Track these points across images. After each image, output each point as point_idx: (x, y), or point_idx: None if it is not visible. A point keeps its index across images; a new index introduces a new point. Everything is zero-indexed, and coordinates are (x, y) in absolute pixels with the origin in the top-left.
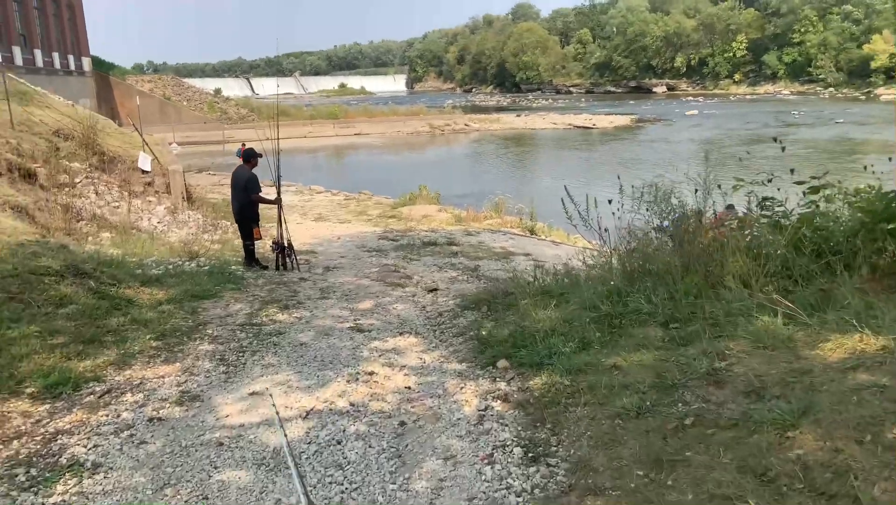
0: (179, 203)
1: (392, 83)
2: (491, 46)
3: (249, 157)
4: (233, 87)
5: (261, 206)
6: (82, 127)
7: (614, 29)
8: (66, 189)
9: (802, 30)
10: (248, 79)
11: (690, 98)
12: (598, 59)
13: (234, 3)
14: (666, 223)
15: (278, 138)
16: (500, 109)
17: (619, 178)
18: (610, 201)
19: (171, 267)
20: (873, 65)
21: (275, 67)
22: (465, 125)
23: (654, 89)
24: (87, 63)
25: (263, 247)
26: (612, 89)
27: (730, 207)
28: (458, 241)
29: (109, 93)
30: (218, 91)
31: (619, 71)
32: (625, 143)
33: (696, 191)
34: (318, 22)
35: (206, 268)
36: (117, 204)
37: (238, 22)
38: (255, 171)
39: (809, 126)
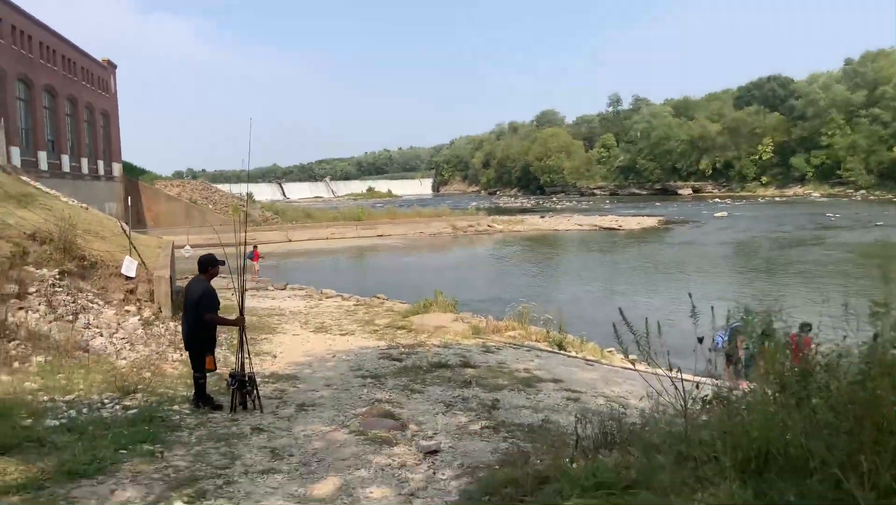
0: (159, 313)
1: (419, 187)
2: (516, 151)
3: (206, 265)
4: (265, 192)
5: (220, 327)
6: (58, 229)
7: (638, 133)
8: (11, 300)
9: (830, 133)
10: (279, 184)
11: (717, 200)
12: (622, 162)
13: (269, 114)
14: (718, 337)
15: (245, 243)
16: (524, 211)
17: (690, 295)
18: (700, 340)
19: (84, 411)
20: None
21: (307, 173)
22: (489, 226)
23: (680, 191)
24: (117, 169)
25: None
26: (637, 191)
27: (805, 328)
28: (473, 362)
29: (137, 197)
30: (250, 195)
31: (643, 173)
32: (653, 245)
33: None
34: (351, 129)
35: (133, 411)
36: (71, 318)
37: (273, 132)
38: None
39: (848, 229)
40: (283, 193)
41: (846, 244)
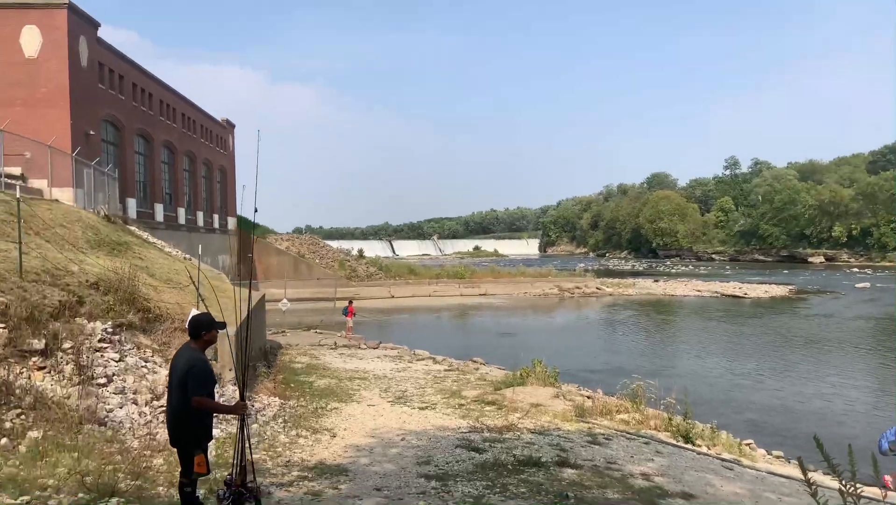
0: (220, 375)
1: (525, 247)
2: (625, 213)
3: (199, 329)
4: (375, 249)
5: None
6: (118, 277)
7: (759, 197)
8: (33, 358)
9: None
10: (390, 241)
11: (856, 269)
12: (742, 226)
13: (382, 176)
14: (883, 438)
15: (247, 298)
16: (635, 274)
17: None
18: None
19: None
20: None
21: (416, 231)
22: (597, 288)
23: (810, 259)
24: (231, 222)
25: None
26: (760, 258)
27: None
28: (574, 459)
29: (249, 250)
30: (361, 252)
31: (767, 239)
32: (786, 316)
33: None
34: (459, 190)
35: None
36: (103, 380)
37: (386, 191)
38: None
39: None
40: (393, 250)
41: None
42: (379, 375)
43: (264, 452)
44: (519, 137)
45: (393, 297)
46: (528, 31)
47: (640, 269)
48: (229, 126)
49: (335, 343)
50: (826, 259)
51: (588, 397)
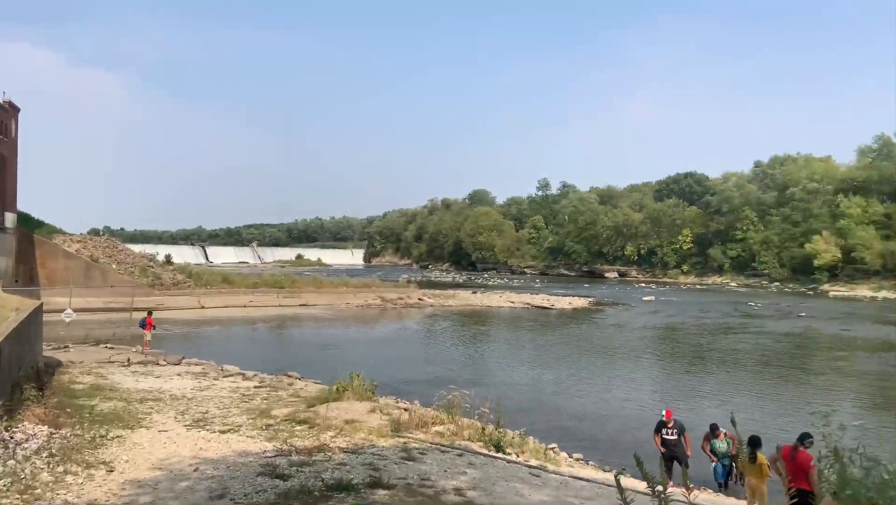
0: None
1: (350, 257)
2: (448, 227)
3: None
4: (186, 255)
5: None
6: None
7: (566, 217)
8: None
9: (744, 228)
10: (202, 247)
11: (643, 284)
12: (550, 243)
13: (197, 177)
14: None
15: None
16: (456, 286)
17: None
18: None
19: None
20: (816, 263)
21: (234, 237)
22: (420, 299)
23: (606, 274)
24: (10, 219)
25: None
26: (566, 272)
27: (805, 439)
28: (387, 479)
29: (31, 251)
30: (168, 257)
31: (571, 255)
32: (586, 325)
33: None
34: (283, 196)
35: None
36: None
37: (200, 193)
38: None
39: (772, 318)
40: (206, 257)
41: (773, 333)
42: (177, 394)
43: (18, 497)
44: (348, 146)
45: (203, 307)
46: (365, 41)
47: (461, 280)
48: (12, 109)
49: (128, 359)
50: (619, 274)
51: (405, 410)
